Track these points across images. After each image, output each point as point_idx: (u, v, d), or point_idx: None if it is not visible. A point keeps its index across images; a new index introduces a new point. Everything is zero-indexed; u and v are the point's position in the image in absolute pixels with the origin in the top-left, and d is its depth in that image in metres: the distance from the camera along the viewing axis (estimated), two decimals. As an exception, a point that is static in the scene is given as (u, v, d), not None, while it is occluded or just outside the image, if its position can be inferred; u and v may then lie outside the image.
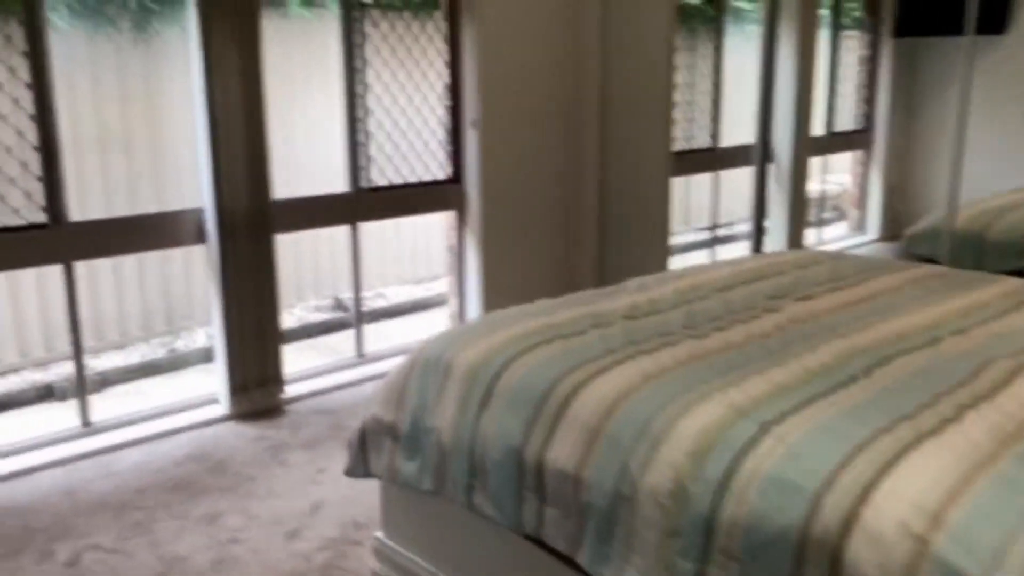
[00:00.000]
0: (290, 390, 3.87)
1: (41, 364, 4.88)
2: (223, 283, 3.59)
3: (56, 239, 3.30)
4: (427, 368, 2.32)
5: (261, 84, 3.57)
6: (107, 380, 4.68)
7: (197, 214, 3.59)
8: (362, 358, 4.28)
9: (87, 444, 3.38)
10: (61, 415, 3.77)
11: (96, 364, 4.87)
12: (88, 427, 3.48)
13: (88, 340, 5.00)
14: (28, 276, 4.39)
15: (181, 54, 3.53)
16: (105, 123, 4.32)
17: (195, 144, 3.54)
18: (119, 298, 5.05)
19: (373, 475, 2.44)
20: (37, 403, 4.54)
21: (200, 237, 3.61)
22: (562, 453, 1.92)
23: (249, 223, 3.60)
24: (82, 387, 3.48)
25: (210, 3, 3.36)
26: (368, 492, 2.82)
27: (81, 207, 3.90)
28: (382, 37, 4.21)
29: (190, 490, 3.08)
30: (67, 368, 4.76)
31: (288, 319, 5.56)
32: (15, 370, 4.77)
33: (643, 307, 2.53)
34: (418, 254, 6.50)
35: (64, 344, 4.90)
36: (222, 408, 3.70)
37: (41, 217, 3.27)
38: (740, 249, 6.83)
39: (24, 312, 4.64)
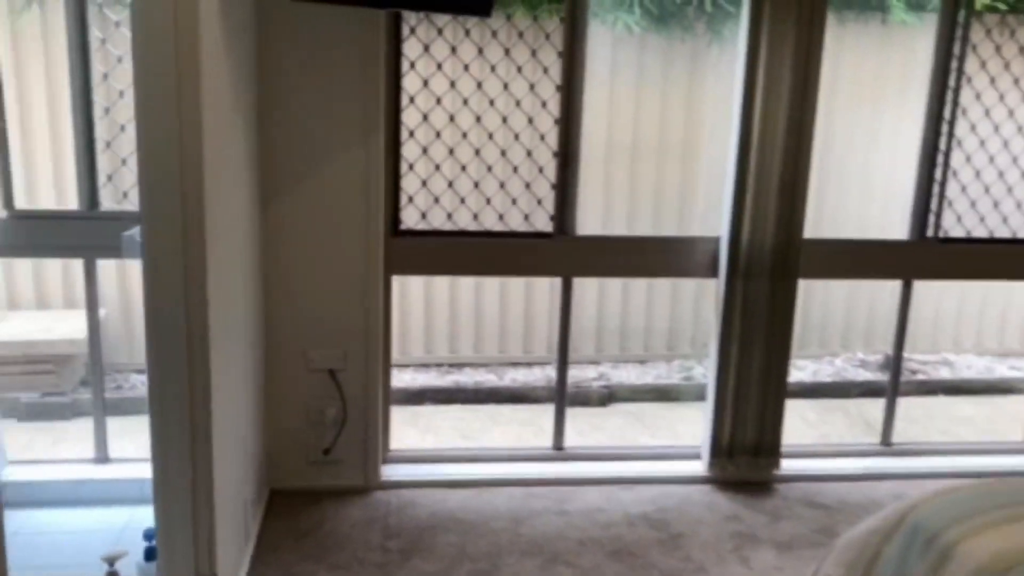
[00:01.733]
0: (785, 465, 3.23)
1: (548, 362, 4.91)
2: (725, 326, 3.09)
3: (558, 252, 3.10)
4: (914, 539, 1.55)
5: (813, 104, 2.95)
6: (614, 395, 4.52)
7: (713, 244, 3.12)
8: (888, 447, 3.42)
9: (552, 469, 3.18)
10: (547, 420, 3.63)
11: (613, 374, 4.76)
12: (560, 451, 3.29)
13: (613, 349, 4.94)
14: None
15: (730, 64, 3.08)
16: (638, 133, 4.09)
17: (724, 166, 3.07)
18: (648, 310, 4.87)
19: (811, 656, 1.75)
20: (545, 403, 4.57)
21: (713, 270, 3.14)
22: None
23: (770, 262, 3.03)
24: (561, 410, 3.28)
25: (766, 8, 2.85)
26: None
27: (589, 219, 3.71)
28: (994, 49, 3.26)
29: (628, 562, 2.67)
30: (582, 372, 4.71)
31: (824, 369, 4.84)
32: (543, 363, 4.86)
33: None
34: (1009, 320, 5.22)
35: (587, 348, 4.90)
36: (701, 466, 3.22)
37: (548, 226, 3.11)
38: None
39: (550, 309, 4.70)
